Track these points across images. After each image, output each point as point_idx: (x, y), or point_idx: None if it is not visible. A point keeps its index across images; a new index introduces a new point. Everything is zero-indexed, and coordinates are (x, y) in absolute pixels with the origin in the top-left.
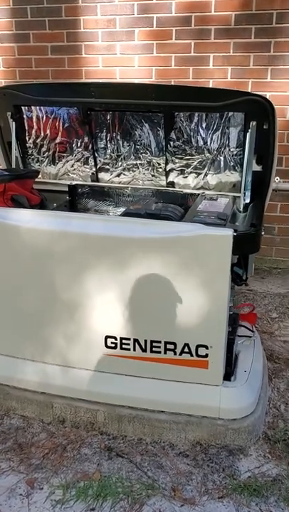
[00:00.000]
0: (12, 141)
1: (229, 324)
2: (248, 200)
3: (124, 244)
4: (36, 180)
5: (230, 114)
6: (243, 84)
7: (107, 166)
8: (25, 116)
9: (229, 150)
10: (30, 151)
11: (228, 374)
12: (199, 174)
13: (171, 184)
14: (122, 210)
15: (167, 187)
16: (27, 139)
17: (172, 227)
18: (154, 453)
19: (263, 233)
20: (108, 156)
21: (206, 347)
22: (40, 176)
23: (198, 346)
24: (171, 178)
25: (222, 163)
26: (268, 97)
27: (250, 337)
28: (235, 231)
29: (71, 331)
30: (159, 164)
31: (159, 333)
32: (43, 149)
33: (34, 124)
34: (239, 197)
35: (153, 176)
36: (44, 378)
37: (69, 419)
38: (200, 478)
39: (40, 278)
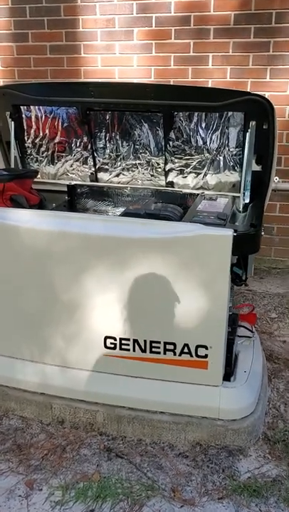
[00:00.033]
0: (11, 141)
1: (229, 324)
2: (247, 200)
3: (123, 245)
4: (35, 180)
5: (230, 113)
6: (242, 84)
7: (107, 166)
8: (24, 115)
9: (229, 150)
10: (29, 151)
11: (228, 374)
12: (199, 174)
13: (171, 184)
14: (121, 210)
15: (166, 187)
16: (26, 138)
17: (172, 227)
18: (153, 454)
19: (262, 233)
20: (107, 156)
21: (206, 347)
22: (39, 175)
23: (197, 347)
24: (170, 178)
25: (221, 163)
26: (267, 97)
27: (250, 337)
28: (235, 231)
29: (70, 332)
30: (159, 164)
31: (158, 333)
32: (42, 149)
33: (33, 123)
34: (239, 197)
35: (152, 175)
36: (43, 379)
37: (68, 419)
38: (200, 479)
39: (39, 278)
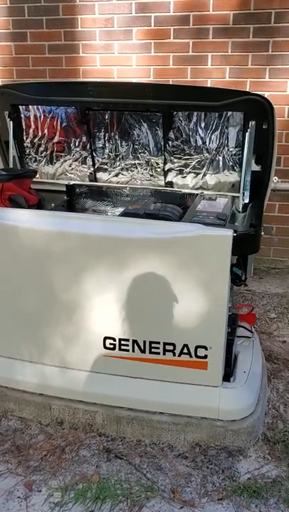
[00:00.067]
0: (9, 141)
1: (228, 325)
2: (247, 200)
3: (123, 245)
4: (34, 180)
5: (230, 113)
6: (241, 83)
7: (105, 166)
8: (22, 115)
9: (228, 150)
10: (27, 151)
11: (228, 375)
12: (198, 174)
13: (170, 184)
14: (120, 210)
15: (166, 187)
16: (24, 138)
17: (171, 227)
18: (153, 454)
19: (262, 233)
20: (106, 156)
21: (206, 348)
22: (37, 175)
23: (197, 347)
24: (169, 178)
25: (221, 163)
26: (266, 97)
27: (249, 337)
28: (235, 231)
29: (69, 332)
30: (158, 164)
31: (158, 334)
32: (41, 149)
33: (32, 123)
34: (238, 197)
35: (151, 175)
36: (42, 380)
37: (67, 420)
38: (199, 479)
39: (38, 279)
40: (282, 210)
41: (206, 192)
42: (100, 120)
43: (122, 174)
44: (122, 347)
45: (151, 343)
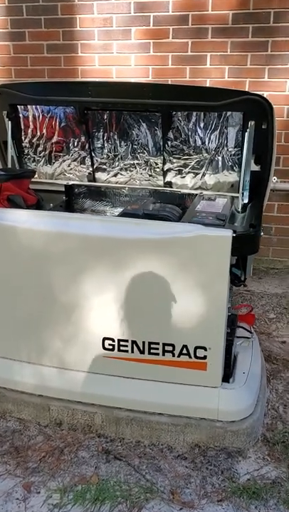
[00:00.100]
0: (8, 141)
1: (228, 325)
2: (246, 201)
3: (122, 245)
4: (32, 180)
5: (229, 113)
6: (241, 83)
7: (104, 166)
8: (21, 115)
9: (227, 150)
10: (26, 151)
11: (227, 376)
12: (197, 174)
13: (169, 184)
14: (119, 210)
15: (165, 187)
16: (23, 138)
17: (171, 227)
18: (152, 456)
19: (262, 234)
20: (105, 156)
21: (205, 348)
22: (36, 175)
23: (196, 348)
24: (168, 178)
25: (220, 163)
26: (266, 97)
27: (249, 338)
28: (235, 232)
29: (68, 333)
30: (157, 164)
31: (157, 334)
32: (40, 149)
33: (30, 123)
34: (237, 197)
35: (150, 175)
36: (41, 380)
37: (66, 421)
38: (199, 481)
39: (37, 279)
40: (281, 210)
41: (205, 192)
42: (98, 120)
43: (121, 174)
44: (121, 348)
45: (150, 343)
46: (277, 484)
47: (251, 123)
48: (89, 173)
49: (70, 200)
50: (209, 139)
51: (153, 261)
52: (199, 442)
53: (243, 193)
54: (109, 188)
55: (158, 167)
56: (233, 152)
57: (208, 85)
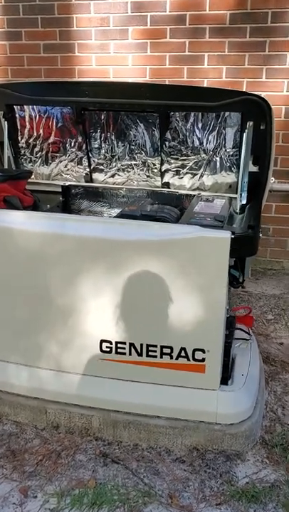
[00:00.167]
0: (4, 141)
1: (226, 327)
2: (244, 202)
3: (119, 247)
4: (29, 180)
5: (227, 114)
6: (238, 83)
7: (102, 167)
8: (17, 115)
9: (225, 150)
10: (22, 151)
11: (225, 378)
12: (195, 175)
13: (167, 185)
14: (116, 211)
15: (162, 188)
16: (19, 138)
17: (169, 229)
18: (150, 459)
19: (260, 235)
20: (102, 157)
21: (203, 351)
22: (32, 176)
23: (195, 350)
24: (166, 179)
25: (218, 163)
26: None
27: (247, 340)
28: (233, 233)
29: (65, 335)
30: (154, 165)
31: (155, 336)
32: (36, 149)
33: (27, 123)
34: (235, 198)
35: (148, 176)
36: (38, 383)
37: (63, 424)
38: (197, 484)
39: (34, 281)
40: (278, 210)
41: (203, 193)
42: (95, 120)
43: (119, 175)
44: (119, 350)
45: (148, 346)
46: (276, 487)
47: (249, 123)
48: (86, 174)
49: (67, 201)
50: (207, 139)
51: (151, 263)
52: (197, 445)
53: (241, 194)
54: (106, 188)
55: (156, 168)
56: (231, 153)
57: (205, 85)
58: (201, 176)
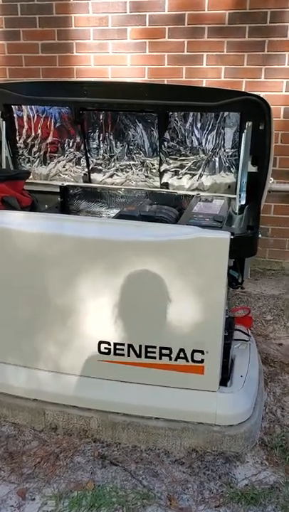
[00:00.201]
0: (2, 141)
1: (225, 328)
2: (243, 202)
3: (118, 248)
4: (27, 181)
5: (226, 114)
6: (237, 83)
7: (100, 167)
8: (15, 115)
9: (224, 151)
10: (20, 152)
11: (224, 379)
12: (194, 175)
13: (165, 185)
14: (115, 211)
15: (161, 188)
16: (17, 138)
17: (168, 229)
18: (149, 461)
19: (260, 236)
20: (101, 157)
21: (202, 352)
22: (31, 176)
23: (194, 351)
24: (165, 179)
25: (217, 164)
26: (263, 97)
27: (246, 341)
28: (232, 234)
29: (64, 337)
30: (153, 165)
31: (154, 338)
32: (34, 149)
33: (25, 123)
34: (234, 198)
35: (147, 176)
36: (36, 385)
37: (61, 426)
38: (196, 486)
39: (32, 282)
40: (277, 211)
41: (202, 193)
42: (94, 120)
43: (117, 175)
44: (117, 351)
45: (146, 347)
46: (276, 489)
47: (248, 124)
48: (84, 174)
49: (65, 201)
50: (206, 139)
51: (150, 263)
52: (197, 447)
53: (240, 195)
54: (104, 189)
55: (154, 168)
56: (230, 153)
57: (204, 85)
58: (200, 176)
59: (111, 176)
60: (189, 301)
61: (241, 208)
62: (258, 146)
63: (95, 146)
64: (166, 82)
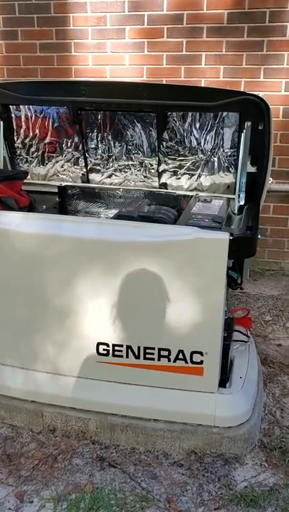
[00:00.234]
0: (0, 141)
1: (224, 329)
2: (242, 202)
3: (117, 248)
4: (25, 181)
5: (225, 114)
6: (236, 83)
7: (98, 167)
8: (13, 115)
9: (223, 151)
10: (18, 152)
11: (224, 381)
12: (192, 175)
13: (164, 185)
14: (113, 212)
15: (160, 188)
16: (15, 138)
17: (167, 230)
18: (147, 463)
19: (259, 236)
20: (99, 157)
21: (201, 353)
22: (28, 176)
23: (192, 353)
24: (163, 180)
25: (216, 164)
26: (262, 97)
27: (245, 342)
28: (232, 235)
29: (62, 338)
30: (152, 165)
31: (152, 339)
32: (32, 149)
33: (23, 123)
34: (233, 199)
35: (145, 177)
36: (34, 386)
37: (60, 428)
38: (195, 488)
39: (30, 283)
40: (276, 211)
41: (200, 194)
42: (92, 120)
43: (115, 175)
44: (116, 353)
45: (145, 348)
46: (275, 491)
47: (247, 124)
48: (82, 174)
49: (64, 201)
50: (205, 139)
51: (148, 264)
52: (196, 449)
53: (239, 195)
54: (103, 189)
55: (153, 168)
56: (229, 153)
57: (203, 85)
58: (199, 176)
59: (109, 176)
60: (188, 302)
61: (240, 208)
62: (257, 146)
63: (93, 146)
64: (164, 82)
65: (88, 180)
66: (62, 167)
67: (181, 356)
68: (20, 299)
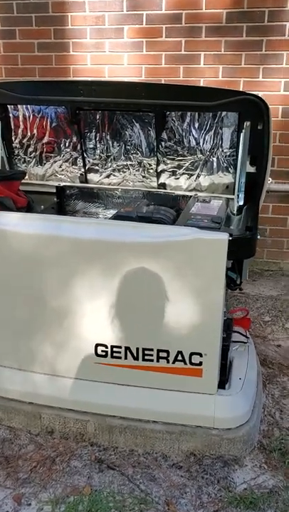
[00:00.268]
0: None
1: (223, 330)
2: (241, 203)
3: (115, 249)
4: (23, 181)
5: (224, 114)
6: (235, 83)
7: (97, 167)
8: (11, 115)
9: (222, 151)
10: (16, 152)
11: (223, 382)
12: (191, 175)
13: (163, 186)
14: (112, 212)
15: (158, 189)
16: (13, 138)
17: (166, 230)
18: (146, 465)
19: (258, 237)
20: (97, 157)
21: (200, 355)
22: (26, 177)
23: (191, 354)
24: (162, 180)
25: (215, 164)
26: (261, 97)
27: (245, 343)
28: (231, 235)
29: (60, 339)
30: (150, 165)
31: (151, 340)
32: (30, 149)
33: (21, 123)
34: (232, 199)
35: (144, 177)
36: (32, 388)
37: (58, 430)
38: (194, 490)
39: (28, 284)
40: (275, 211)
41: (199, 194)
42: (91, 120)
43: (114, 175)
44: (114, 354)
45: (144, 350)
46: (275, 493)
47: (247, 123)
48: (81, 174)
49: (62, 202)
50: (204, 139)
51: (147, 265)
52: (195, 450)
53: (238, 195)
54: (101, 189)
55: (151, 168)
56: (228, 153)
57: (202, 85)
58: (198, 176)
59: (108, 177)
60: (187, 303)
61: (239, 208)
62: (256, 146)
63: (91, 146)
64: (163, 82)
65: (86, 181)
66: (60, 167)
67: (180, 357)
68: (17, 300)
